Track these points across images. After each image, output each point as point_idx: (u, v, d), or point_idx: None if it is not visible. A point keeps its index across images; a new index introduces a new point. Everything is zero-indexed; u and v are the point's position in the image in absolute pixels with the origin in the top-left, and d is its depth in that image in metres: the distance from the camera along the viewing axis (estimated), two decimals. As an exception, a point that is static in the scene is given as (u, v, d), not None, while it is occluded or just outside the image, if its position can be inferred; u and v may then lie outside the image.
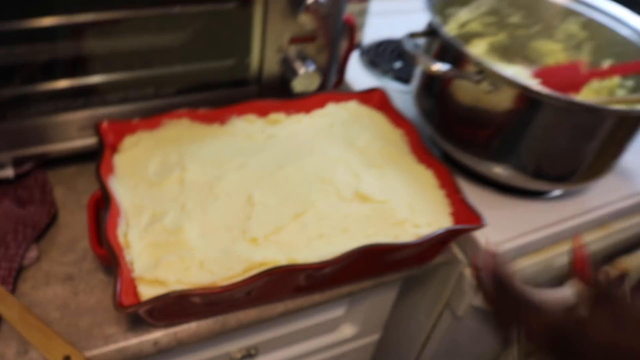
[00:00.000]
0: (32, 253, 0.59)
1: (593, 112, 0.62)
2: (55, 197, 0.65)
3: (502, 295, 0.48)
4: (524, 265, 0.72)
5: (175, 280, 0.50)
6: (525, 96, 0.63)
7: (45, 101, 0.62)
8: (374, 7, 1.00)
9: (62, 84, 0.62)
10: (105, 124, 0.63)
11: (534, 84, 0.62)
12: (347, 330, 0.76)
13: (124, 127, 0.64)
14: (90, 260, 0.60)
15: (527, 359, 0.58)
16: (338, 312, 0.70)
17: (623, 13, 0.82)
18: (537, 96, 0.62)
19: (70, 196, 0.66)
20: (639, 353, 0.40)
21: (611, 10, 0.83)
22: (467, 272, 0.70)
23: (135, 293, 0.50)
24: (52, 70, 0.62)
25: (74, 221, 0.64)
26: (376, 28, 1.02)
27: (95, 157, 0.60)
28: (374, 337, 0.81)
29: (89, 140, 0.67)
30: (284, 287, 0.56)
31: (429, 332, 0.80)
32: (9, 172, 0.64)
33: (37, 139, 0.64)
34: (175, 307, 0.51)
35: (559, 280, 0.79)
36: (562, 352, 0.43)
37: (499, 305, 0.48)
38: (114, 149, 0.63)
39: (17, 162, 0.65)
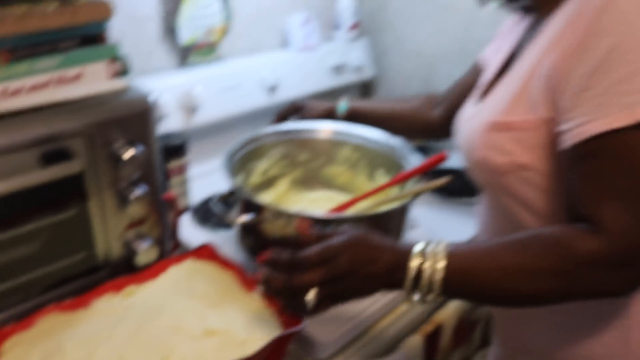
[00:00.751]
0: None
1: (354, 221, 0.86)
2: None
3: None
4: (357, 347, 0.91)
5: None
6: (309, 220, 0.85)
7: None
8: (194, 171, 1.21)
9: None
10: (-18, 337, 0.75)
11: (309, 212, 0.85)
12: None
13: (1, 334, 0.77)
14: None
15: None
16: None
17: (373, 133, 1.11)
18: (313, 218, 0.85)
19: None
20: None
21: (368, 134, 1.11)
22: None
23: None
24: None
25: None
26: (201, 187, 1.22)
27: None
28: None
29: (-29, 355, 0.78)
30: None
31: None
32: None
33: None
34: None
35: (390, 347, 0.98)
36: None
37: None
38: (-5, 356, 0.75)
39: None
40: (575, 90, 0.63)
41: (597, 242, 0.61)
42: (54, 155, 0.77)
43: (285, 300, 0.70)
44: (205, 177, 1.26)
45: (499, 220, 0.83)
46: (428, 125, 1.15)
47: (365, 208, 0.99)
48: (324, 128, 1.14)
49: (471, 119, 0.83)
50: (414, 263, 0.65)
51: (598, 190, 0.63)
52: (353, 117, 1.16)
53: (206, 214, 1.17)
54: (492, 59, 0.90)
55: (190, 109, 1.22)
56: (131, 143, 0.82)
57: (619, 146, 0.61)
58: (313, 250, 0.67)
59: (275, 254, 0.70)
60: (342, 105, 1.17)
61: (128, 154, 0.81)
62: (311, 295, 0.66)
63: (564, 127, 0.65)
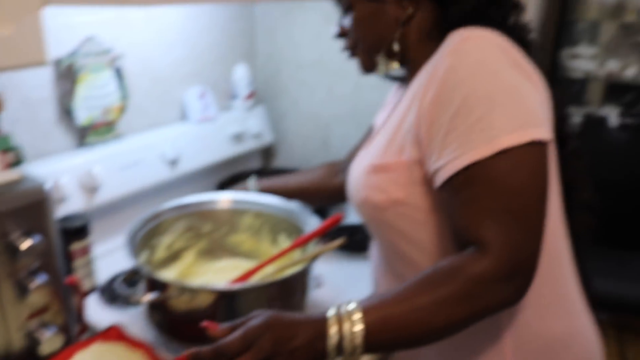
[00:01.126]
0: None
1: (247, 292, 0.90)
2: None
3: None
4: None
5: None
6: (210, 291, 0.88)
7: None
8: (99, 249, 1.20)
9: None
10: None
11: (212, 285, 0.88)
12: None
13: None
14: None
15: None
16: None
17: (272, 199, 1.16)
18: (217, 291, 0.88)
19: None
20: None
21: (265, 200, 1.16)
22: None
23: None
24: None
25: None
26: (107, 266, 1.20)
27: None
28: None
29: None
30: None
31: None
32: None
33: None
34: None
35: None
36: None
37: None
38: None
39: None
40: (441, 134, 0.73)
41: (486, 261, 0.68)
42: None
43: None
44: (110, 256, 1.25)
45: (387, 255, 0.91)
46: (333, 192, 1.22)
47: (269, 274, 1.03)
48: (224, 198, 1.18)
49: (357, 165, 0.93)
50: (333, 330, 0.67)
51: (475, 214, 0.71)
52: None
53: (113, 292, 1.16)
54: (380, 120, 1.00)
55: (91, 188, 1.22)
56: (28, 233, 0.83)
57: (485, 174, 0.70)
58: (233, 337, 0.67)
59: (195, 351, 0.69)
60: (251, 187, 1.22)
61: (25, 244, 0.81)
62: None
63: (437, 165, 0.74)
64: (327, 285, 1.18)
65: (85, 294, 0.98)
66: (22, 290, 0.84)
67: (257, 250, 1.18)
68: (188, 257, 1.16)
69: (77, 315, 0.96)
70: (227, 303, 0.90)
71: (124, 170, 1.29)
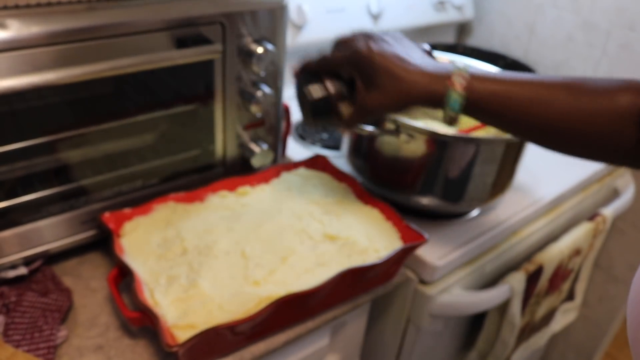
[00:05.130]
0: (62, 332, 0.68)
1: (487, 144, 0.82)
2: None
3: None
4: (462, 275, 0.89)
5: (203, 322, 0.63)
6: (435, 139, 0.82)
7: (49, 204, 0.74)
8: (286, 92, 1.18)
9: (62, 189, 0.74)
10: (107, 215, 0.75)
11: (440, 128, 0.82)
12: (332, 359, 0.89)
13: (122, 216, 0.76)
14: (114, 330, 0.70)
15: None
16: (323, 341, 0.83)
17: (488, 68, 1.06)
18: (442, 137, 0.82)
19: (78, 283, 0.76)
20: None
21: (480, 67, 1.06)
22: (420, 287, 0.86)
23: (174, 338, 0.61)
24: (49, 179, 0.74)
25: (88, 302, 0.74)
26: (295, 108, 1.20)
27: (94, 247, 0.76)
28: (354, 364, 0.94)
29: (90, 233, 0.78)
30: (285, 317, 0.70)
31: (399, 348, 0.94)
32: (23, 270, 0.74)
33: (45, 238, 0.75)
34: (206, 345, 0.63)
35: (492, 282, 0.97)
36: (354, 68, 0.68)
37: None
38: (117, 234, 0.75)
39: (27, 261, 0.75)
40: None
41: None
42: (189, 39, 0.75)
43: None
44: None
45: None
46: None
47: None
48: (440, 57, 1.09)
49: None
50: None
51: None
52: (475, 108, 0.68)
53: (305, 132, 1.15)
54: None
55: (297, 26, 1.19)
56: (260, 41, 0.80)
57: None
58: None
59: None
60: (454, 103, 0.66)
61: (260, 49, 0.79)
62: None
63: None
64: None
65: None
66: (245, 97, 0.82)
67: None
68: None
69: (283, 140, 0.95)
70: (440, 153, 0.83)
71: (329, 13, 1.24)
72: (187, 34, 0.74)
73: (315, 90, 0.71)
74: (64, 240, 0.77)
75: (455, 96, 0.64)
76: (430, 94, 0.66)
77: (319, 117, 0.73)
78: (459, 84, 0.64)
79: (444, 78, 0.65)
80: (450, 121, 0.67)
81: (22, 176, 0.72)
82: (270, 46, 0.80)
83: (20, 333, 0.67)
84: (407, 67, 0.66)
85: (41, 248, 0.75)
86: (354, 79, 0.69)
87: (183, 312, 0.64)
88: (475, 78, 0.65)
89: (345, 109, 0.71)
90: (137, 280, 0.66)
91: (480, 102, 0.65)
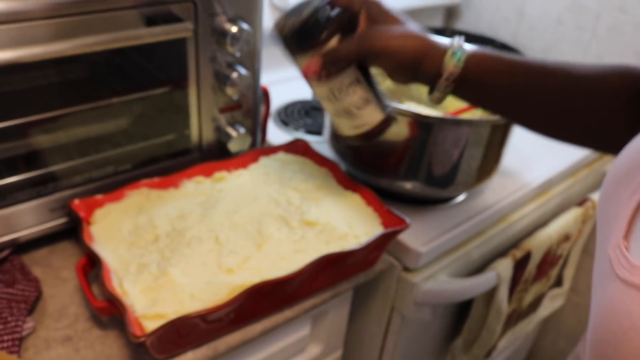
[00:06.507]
0: (29, 324, 0.66)
1: (473, 125, 0.80)
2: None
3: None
4: (447, 262, 0.87)
5: (173, 312, 0.60)
6: (418, 122, 0.79)
7: (17, 191, 0.71)
8: (268, 78, 1.15)
9: (31, 175, 0.71)
10: (76, 202, 0.72)
11: (423, 111, 0.79)
12: (314, 349, 0.86)
13: (93, 202, 0.73)
14: (84, 321, 0.67)
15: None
16: (304, 331, 0.81)
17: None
18: (427, 120, 0.79)
19: (48, 273, 0.73)
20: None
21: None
22: (404, 275, 0.83)
23: (142, 328, 0.58)
24: (17, 165, 0.71)
25: (57, 293, 0.71)
26: (278, 94, 1.17)
27: (65, 236, 0.73)
28: (338, 354, 0.92)
29: (60, 221, 0.75)
30: (260, 305, 0.67)
31: (383, 338, 0.92)
32: (-12, 260, 0.71)
33: (12, 226, 0.72)
34: (176, 335, 0.60)
35: (479, 268, 0.94)
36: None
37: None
38: (87, 222, 0.72)
39: (-6, 251, 0.72)
40: None
41: None
42: (159, 17, 0.71)
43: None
44: (281, 84, 1.20)
45: None
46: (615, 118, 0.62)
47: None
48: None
49: None
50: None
51: None
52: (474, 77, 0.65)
53: (287, 117, 1.12)
54: None
55: (280, 8, 1.16)
56: (235, 20, 0.77)
57: None
58: None
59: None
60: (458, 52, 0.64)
61: (234, 28, 0.75)
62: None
63: None
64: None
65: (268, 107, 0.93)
66: (221, 79, 0.79)
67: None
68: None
69: (262, 124, 0.92)
70: (424, 136, 0.80)
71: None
72: (157, 12, 0.71)
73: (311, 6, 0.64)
74: (33, 229, 0.74)
75: (460, 52, 0.62)
76: (435, 48, 0.63)
77: (299, 44, 0.66)
78: (458, 45, 0.63)
79: (443, 45, 0.64)
80: (445, 88, 0.64)
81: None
82: (245, 26, 0.76)
83: (-17, 325, 0.64)
84: (414, 27, 0.65)
85: (8, 237, 0.72)
86: (353, 19, 0.65)
87: (152, 302, 0.61)
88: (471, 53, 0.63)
89: (334, 41, 0.65)
90: (105, 269, 0.63)
91: (476, 73, 0.63)
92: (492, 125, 0.80)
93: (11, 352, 0.62)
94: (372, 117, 0.68)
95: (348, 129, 0.70)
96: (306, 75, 0.67)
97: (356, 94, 0.67)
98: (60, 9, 0.63)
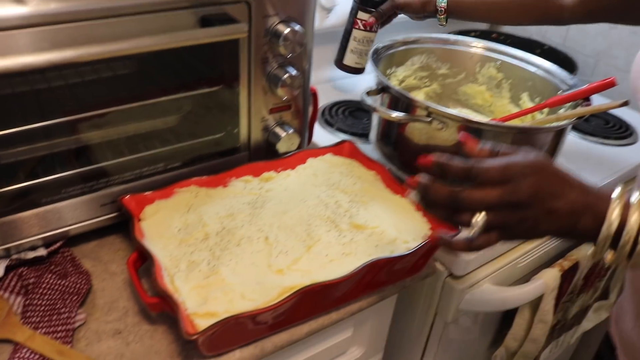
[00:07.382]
0: (80, 316, 0.67)
1: (523, 132, 0.78)
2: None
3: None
4: (493, 269, 0.85)
5: (224, 311, 0.60)
6: (469, 127, 0.78)
7: (69, 186, 0.72)
8: (314, 77, 1.15)
9: (83, 170, 0.73)
10: (127, 198, 0.73)
11: (474, 116, 0.78)
12: (355, 351, 0.86)
13: (143, 199, 0.74)
14: (133, 315, 0.68)
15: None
16: (347, 333, 0.81)
17: (527, 55, 1.02)
18: (478, 125, 0.78)
19: (97, 266, 0.75)
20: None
21: (518, 54, 1.02)
22: (449, 281, 0.82)
23: (193, 326, 0.59)
24: (69, 160, 0.72)
25: (107, 286, 0.72)
26: (322, 93, 1.17)
27: (113, 230, 0.75)
28: (378, 357, 0.91)
29: (110, 216, 0.76)
30: (308, 307, 0.67)
31: (425, 343, 0.91)
32: (42, 252, 0.72)
33: (64, 220, 0.73)
34: (228, 333, 0.60)
35: (524, 278, 0.93)
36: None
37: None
38: (138, 218, 0.73)
39: (47, 243, 0.74)
40: None
41: None
42: (214, 18, 0.72)
43: (443, 215, 0.58)
44: (324, 84, 1.20)
45: None
46: (556, 9, 0.98)
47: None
48: (476, 43, 1.05)
49: None
50: (614, 213, 0.52)
51: None
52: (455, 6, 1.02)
53: (331, 118, 1.12)
54: None
55: (327, 8, 1.15)
56: (288, 22, 0.77)
57: None
58: (493, 163, 0.54)
59: (444, 157, 0.57)
60: None
61: (287, 29, 0.76)
62: (480, 218, 0.54)
63: None
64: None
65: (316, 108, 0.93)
66: (272, 80, 0.79)
67: (491, 105, 1.06)
68: (417, 97, 1.07)
69: (310, 125, 0.92)
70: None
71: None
72: (212, 12, 0.72)
73: None
74: (83, 223, 0.75)
75: None
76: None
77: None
78: None
79: None
80: None
81: (43, 157, 0.71)
82: (298, 27, 0.77)
83: (38, 315, 0.65)
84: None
85: (60, 230, 0.74)
86: None
87: (203, 300, 0.62)
88: None
89: None
90: (157, 265, 0.64)
91: None
92: (541, 131, 0.79)
93: (65, 343, 0.63)
94: None
95: None
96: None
97: None
98: (117, 9, 0.64)
